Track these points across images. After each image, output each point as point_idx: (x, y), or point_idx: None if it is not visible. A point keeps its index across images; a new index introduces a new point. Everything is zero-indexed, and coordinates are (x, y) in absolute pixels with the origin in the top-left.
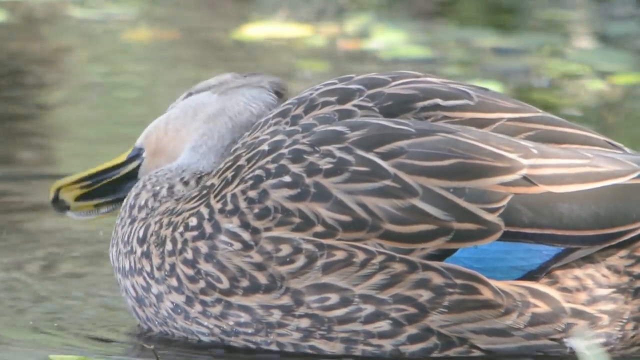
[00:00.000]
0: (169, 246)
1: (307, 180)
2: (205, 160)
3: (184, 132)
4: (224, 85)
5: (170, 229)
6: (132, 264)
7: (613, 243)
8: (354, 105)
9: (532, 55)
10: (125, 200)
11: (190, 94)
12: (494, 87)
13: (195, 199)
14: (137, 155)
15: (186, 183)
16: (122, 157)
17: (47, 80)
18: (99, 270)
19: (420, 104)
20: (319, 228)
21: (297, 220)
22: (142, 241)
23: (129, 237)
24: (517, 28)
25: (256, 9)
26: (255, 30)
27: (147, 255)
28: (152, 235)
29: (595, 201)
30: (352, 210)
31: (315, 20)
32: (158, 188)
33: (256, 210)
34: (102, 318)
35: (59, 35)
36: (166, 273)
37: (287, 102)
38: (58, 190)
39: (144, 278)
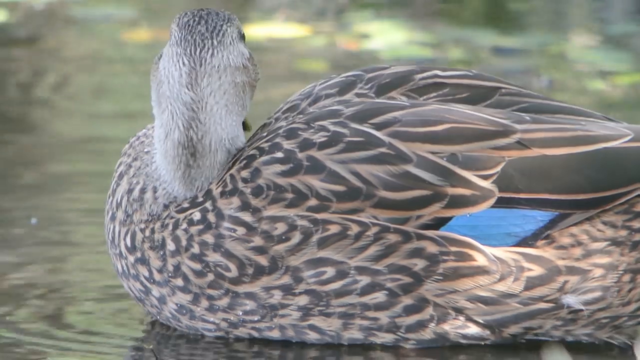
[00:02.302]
0: (171, 246)
1: (300, 155)
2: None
3: None
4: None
5: (169, 229)
6: (125, 269)
7: (607, 207)
8: (354, 94)
9: (532, 55)
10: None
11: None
12: None
13: (189, 202)
14: None
15: (156, 198)
16: None
17: (46, 80)
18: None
19: (419, 75)
20: (312, 202)
21: (290, 195)
22: (132, 249)
23: (113, 237)
24: (517, 28)
25: (256, 9)
26: (255, 30)
27: (142, 260)
28: (143, 241)
29: (588, 165)
30: (346, 180)
31: (315, 20)
32: (134, 181)
33: (249, 190)
34: (101, 317)
35: (59, 35)
36: (170, 274)
37: (293, 99)
38: None
39: (142, 283)
